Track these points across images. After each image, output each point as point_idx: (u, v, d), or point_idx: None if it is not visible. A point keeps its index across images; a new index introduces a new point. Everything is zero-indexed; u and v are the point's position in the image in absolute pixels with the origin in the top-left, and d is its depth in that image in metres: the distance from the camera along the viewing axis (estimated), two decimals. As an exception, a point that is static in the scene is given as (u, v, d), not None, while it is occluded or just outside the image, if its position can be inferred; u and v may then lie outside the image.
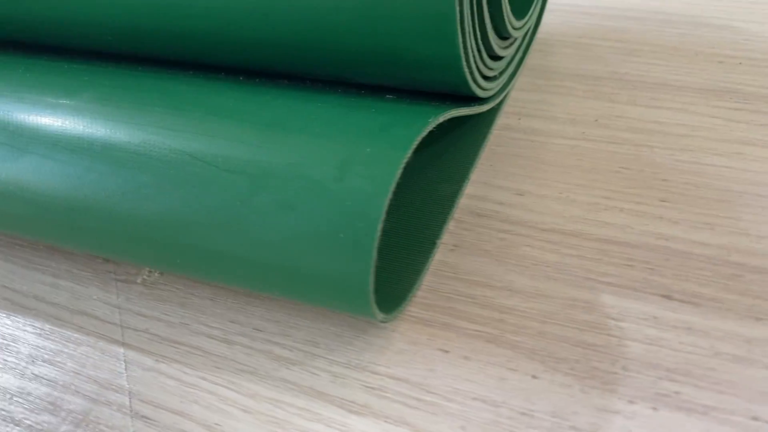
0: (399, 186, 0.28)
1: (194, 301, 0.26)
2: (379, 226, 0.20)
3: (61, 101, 0.25)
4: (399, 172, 0.20)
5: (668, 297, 0.23)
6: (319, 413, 0.22)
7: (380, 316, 0.22)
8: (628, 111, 0.32)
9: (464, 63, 0.25)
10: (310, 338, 0.24)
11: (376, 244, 0.20)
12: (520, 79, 0.35)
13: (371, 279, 0.20)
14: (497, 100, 0.31)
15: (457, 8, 0.23)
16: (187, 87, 0.26)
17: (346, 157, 0.21)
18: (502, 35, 0.30)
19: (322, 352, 0.23)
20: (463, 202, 0.28)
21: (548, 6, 0.39)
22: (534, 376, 0.22)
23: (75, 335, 0.25)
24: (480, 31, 0.27)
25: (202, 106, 0.24)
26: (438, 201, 0.28)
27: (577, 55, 0.36)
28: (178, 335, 0.25)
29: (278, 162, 0.22)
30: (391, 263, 0.25)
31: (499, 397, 0.21)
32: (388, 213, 0.26)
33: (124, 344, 0.25)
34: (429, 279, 0.25)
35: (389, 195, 0.20)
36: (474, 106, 0.28)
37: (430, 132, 0.25)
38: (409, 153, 0.21)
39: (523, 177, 0.29)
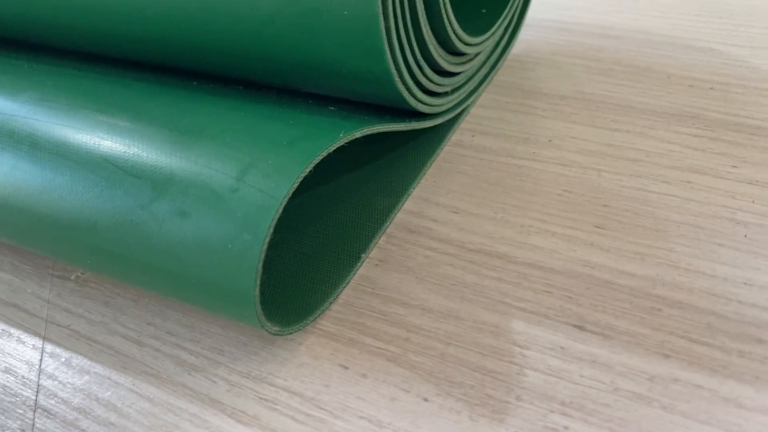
0: (332, 198, 0.28)
1: (118, 301, 0.26)
2: (266, 239, 0.20)
3: (0, 101, 0.26)
4: (294, 185, 0.20)
5: (580, 327, 0.23)
6: (207, 420, 0.22)
7: (272, 328, 0.22)
8: (585, 132, 0.31)
9: (397, 78, 0.25)
10: (217, 346, 0.24)
11: (262, 256, 0.20)
12: (483, 96, 0.34)
13: (256, 292, 0.20)
14: (447, 117, 0.30)
15: (382, 24, 0.23)
16: (123, 90, 0.27)
17: (245, 168, 0.21)
18: (452, 51, 0.29)
19: (225, 360, 0.23)
20: (399, 217, 0.28)
21: (527, 21, 0.38)
22: (425, 399, 0.21)
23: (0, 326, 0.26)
24: (419, 45, 0.26)
25: (129, 111, 0.25)
26: (373, 215, 0.27)
27: (547, 73, 0.35)
28: (96, 333, 0.25)
29: (181, 169, 0.22)
30: (308, 275, 0.25)
31: (386, 417, 0.21)
32: (312, 224, 0.27)
33: (45, 338, 0.25)
34: (348, 293, 0.25)
35: (279, 208, 0.20)
36: (411, 122, 0.27)
37: (379, 144, 0.25)
38: (309, 168, 0.21)
39: (462, 195, 0.28)
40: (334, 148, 0.22)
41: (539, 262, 0.25)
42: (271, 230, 0.20)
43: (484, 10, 0.34)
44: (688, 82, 0.33)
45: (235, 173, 0.21)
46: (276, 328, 0.22)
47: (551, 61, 0.36)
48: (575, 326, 0.23)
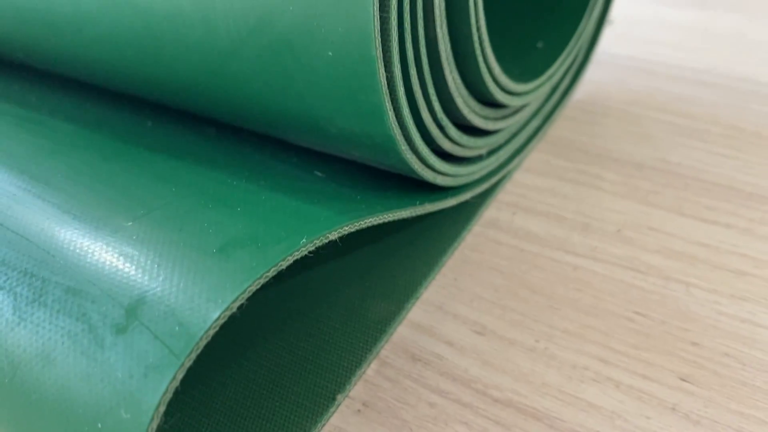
0: (301, 300, 0.20)
1: None
2: (153, 424, 0.12)
3: None
4: (207, 334, 0.13)
5: None
6: None
7: None
8: (668, 222, 0.23)
9: (403, 146, 0.18)
10: None
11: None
12: (533, 155, 0.26)
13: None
14: (479, 189, 0.22)
15: (382, 73, 0.15)
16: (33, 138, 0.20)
17: (142, 294, 0.14)
18: (490, 102, 0.21)
19: None
20: (401, 331, 0.20)
21: (597, 56, 0.30)
22: None
23: None
24: (440, 97, 0.19)
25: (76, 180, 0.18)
26: (361, 329, 0.20)
27: (620, 131, 0.27)
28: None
29: (56, 283, 0.14)
30: (254, 425, 0.17)
31: None
32: (269, 342, 0.19)
33: None
34: (313, 451, 0.17)
35: (178, 372, 0.12)
36: (425, 203, 0.20)
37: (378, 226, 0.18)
38: (235, 303, 0.13)
39: (492, 305, 0.20)
40: (286, 265, 0.14)
41: (594, 430, 0.17)
42: (163, 407, 0.12)
43: (539, 45, 0.26)
44: (815, 158, 0.25)
45: (126, 301, 0.13)
46: None
47: (626, 114, 0.28)
48: None
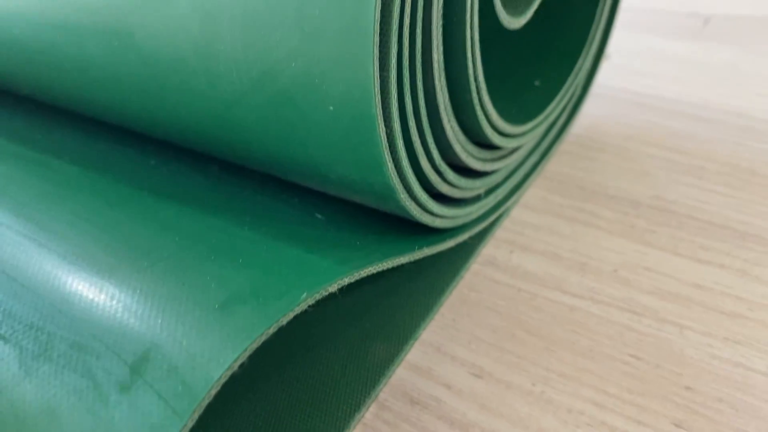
0: (297, 342, 0.21)
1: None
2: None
3: None
4: (212, 390, 0.13)
5: None
6: None
7: None
8: (664, 262, 0.23)
9: (403, 194, 0.18)
10: None
11: None
12: (531, 190, 0.26)
13: None
14: (477, 229, 0.23)
15: (382, 130, 0.16)
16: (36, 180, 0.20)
17: (147, 351, 0.14)
18: (488, 145, 0.22)
19: None
20: (399, 372, 0.20)
21: (594, 89, 0.30)
22: None
23: None
24: (438, 145, 0.19)
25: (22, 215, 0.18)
26: (360, 371, 0.20)
27: (617, 167, 0.27)
28: None
29: (63, 338, 0.15)
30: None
31: None
32: (260, 387, 0.19)
33: None
34: (312, 496, 0.18)
35: (182, 433, 0.13)
36: (424, 247, 0.20)
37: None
38: (238, 361, 0.14)
39: (490, 347, 0.21)
40: (286, 321, 0.14)
41: (590, 481, 0.17)
42: (167, 469, 0.12)
43: (537, 83, 0.26)
44: (808, 197, 0.25)
45: (130, 358, 0.14)
46: None
47: (622, 149, 0.28)
48: None
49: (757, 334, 0.20)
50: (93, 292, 0.15)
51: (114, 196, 0.19)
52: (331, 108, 0.16)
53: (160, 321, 0.14)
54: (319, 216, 0.21)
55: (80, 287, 0.16)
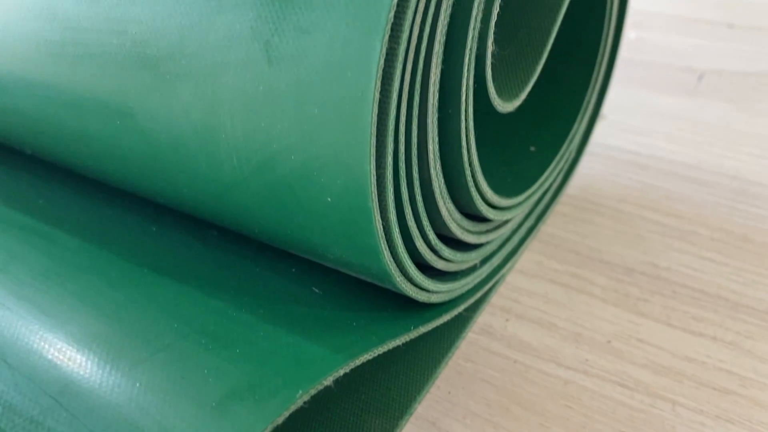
0: (304, 423, 0.21)
1: None
2: None
3: None
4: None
5: None
6: None
7: None
8: (656, 333, 0.23)
9: (398, 278, 0.18)
10: None
11: None
12: (526, 254, 0.27)
13: None
14: (472, 299, 0.23)
15: (378, 221, 0.16)
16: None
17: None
18: (483, 219, 0.22)
19: None
20: (395, 447, 0.20)
21: (589, 148, 0.30)
22: None
23: None
24: (434, 226, 0.19)
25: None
26: (356, 448, 0.20)
27: (611, 230, 0.28)
28: None
29: (79, 428, 0.15)
30: None
31: None
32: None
33: None
34: None
35: None
36: (419, 326, 0.20)
37: None
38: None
39: (485, 422, 0.21)
40: (282, 420, 0.15)
41: None
42: None
43: (533, 148, 0.26)
44: (800, 266, 0.25)
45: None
46: None
47: (616, 212, 0.28)
48: None
49: (747, 411, 0.21)
50: (94, 384, 0.16)
51: (115, 273, 0.20)
52: (329, 199, 0.17)
53: (159, 418, 0.15)
54: (316, 290, 0.21)
55: (81, 379, 0.16)
